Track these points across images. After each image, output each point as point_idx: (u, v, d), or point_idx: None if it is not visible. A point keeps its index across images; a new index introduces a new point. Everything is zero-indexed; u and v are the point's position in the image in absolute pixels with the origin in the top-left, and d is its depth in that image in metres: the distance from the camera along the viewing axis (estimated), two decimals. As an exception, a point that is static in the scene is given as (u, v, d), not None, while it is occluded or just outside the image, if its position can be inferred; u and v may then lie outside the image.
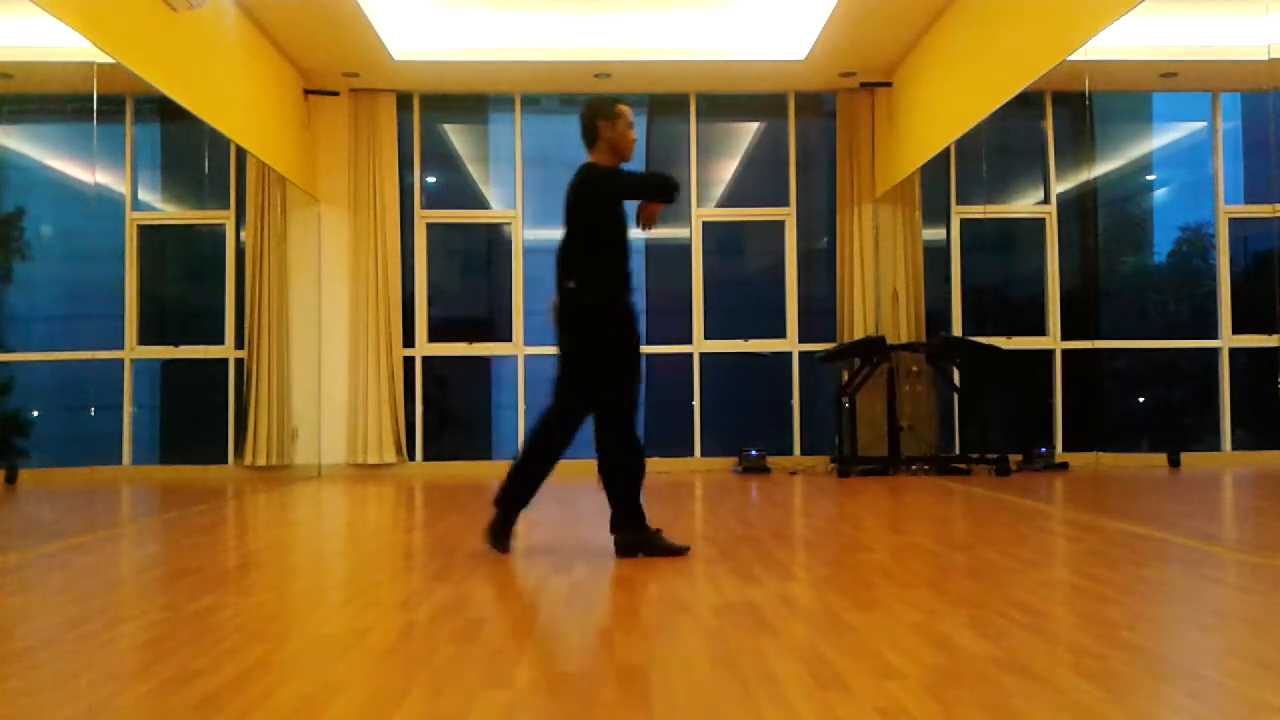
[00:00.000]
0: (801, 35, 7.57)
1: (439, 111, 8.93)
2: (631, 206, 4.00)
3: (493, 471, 8.52)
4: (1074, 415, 8.51)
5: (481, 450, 9.01)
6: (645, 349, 8.83)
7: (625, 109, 3.93)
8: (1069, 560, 3.62)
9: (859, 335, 8.21)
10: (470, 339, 8.75)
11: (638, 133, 4.12)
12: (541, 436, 3.91)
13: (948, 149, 7.76)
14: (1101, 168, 9.16)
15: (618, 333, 3.86)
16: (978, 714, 1.80)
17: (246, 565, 3.68)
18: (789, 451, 8.51)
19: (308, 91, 8.21)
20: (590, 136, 3.94)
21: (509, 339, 8.64)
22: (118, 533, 4.81)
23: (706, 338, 8.64)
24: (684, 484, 7.07)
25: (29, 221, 9.16)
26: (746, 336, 8.69)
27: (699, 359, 8.62)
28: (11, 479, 8.12)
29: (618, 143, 3.92)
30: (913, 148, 7.70)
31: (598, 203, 3.86)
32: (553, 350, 4.14)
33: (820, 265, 8.86)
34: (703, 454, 8.57)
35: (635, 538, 3.76)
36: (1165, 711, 1.86)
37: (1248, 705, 1.87)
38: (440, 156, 9.12)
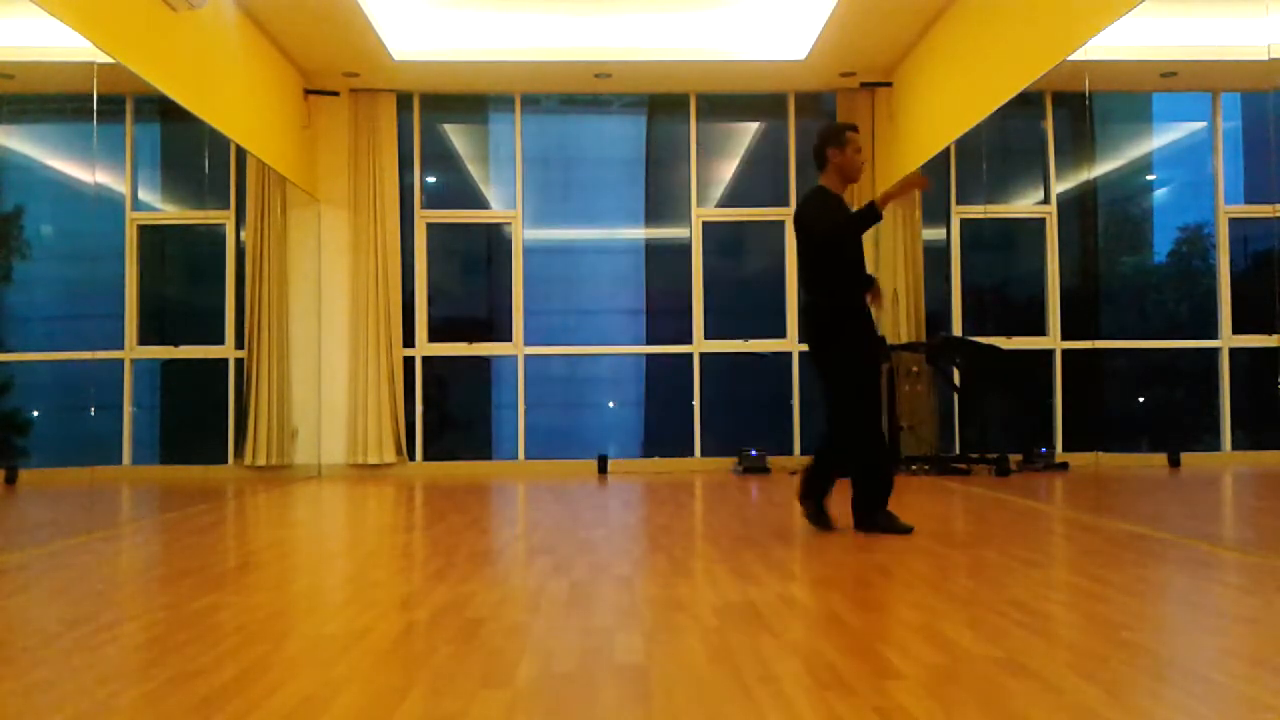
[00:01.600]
0: (801, 35, 7.57)
1: (439, 111, 8.93)
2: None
3: (493, 471, 8.54)
4: (1074, 415, 8.51)
5: (481, 450, 9.00)
6: (647, 349, 8.96)
7: (854, 135, 4.29)
8: (1069, 560, 3.62)
9: (859, 335, 8.19)
10: (470, 339, 8.75)
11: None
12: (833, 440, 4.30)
13: (948, 149, 7.76)
14: (1101, 168, 9.15)
15: (849, 336, 4.22)
16: (978, 714, 1.80)
17: (246, 565, 3.68)
18: (789, 451, 8.51)
19: (308, 91, 8.21)
20: (820, 161, 4.32)
21: (509, 339, 8.64)
22: (117, 533, 4.81)
23: (706, 338, 8.64)
24: (684, 484, 7.07)
25: (29, 221, 9.16)
26: (746, 336, 8.69)
27: (699, 359, 8.62)
28: (11, 479, 8.11)
29: (845, 167, 4.28)
30: (913, 148, 7.70)
31: (822, 224, 4.21)
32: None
33: (820, 265, 8.85)
34: (703, 454, 8.57)
35: (873, 522, 4.20)
36: (1165, 711, 1.86)
37: (1248, 705, 1.87)
38: (440, 156, 9.12)
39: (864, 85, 8.35)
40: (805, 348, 4.48)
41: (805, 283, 4.41)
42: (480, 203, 9.05)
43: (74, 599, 3.02)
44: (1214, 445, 8.55)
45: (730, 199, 8.95)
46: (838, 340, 4.23)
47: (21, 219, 9.13)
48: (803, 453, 8.53)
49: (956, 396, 8.28)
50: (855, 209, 4.28)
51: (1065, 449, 8.38)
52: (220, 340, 8.54)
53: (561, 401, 9.15)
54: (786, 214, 8.71)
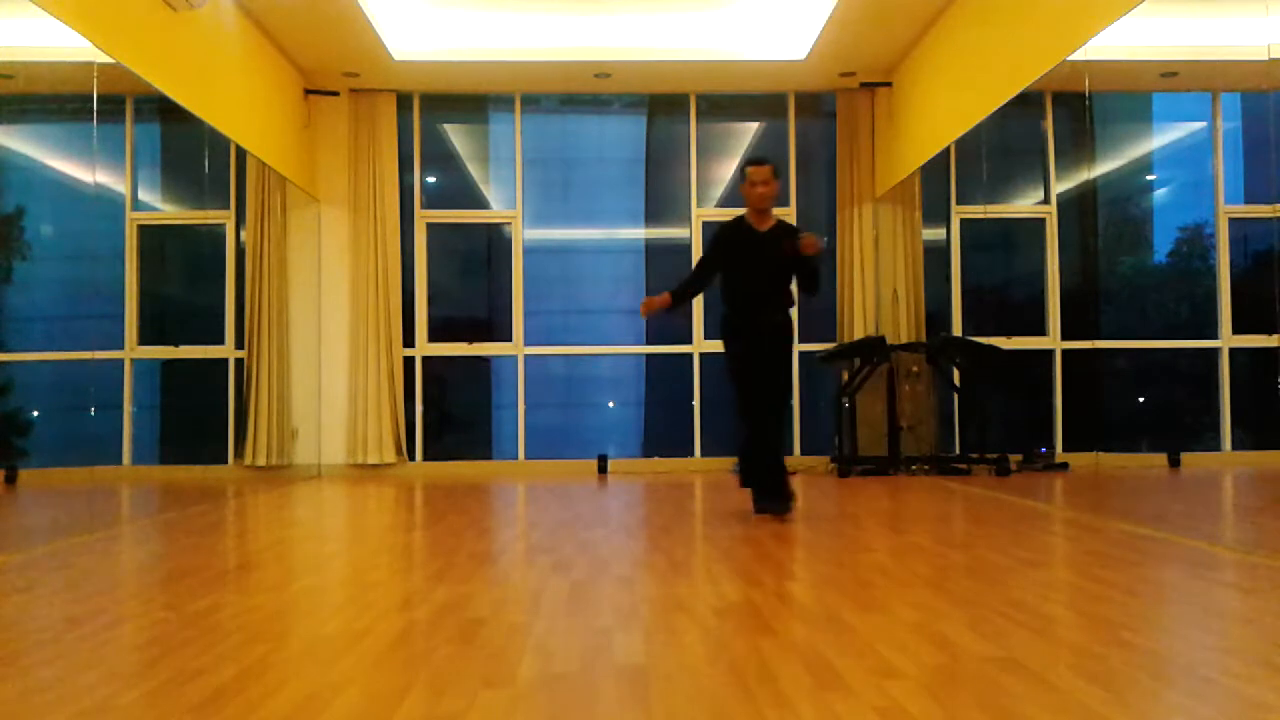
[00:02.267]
0: (801, 35, 7.57)
1: (439, 111, 8.93)
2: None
3: (493, 471, 8.54)
4: (1074, 415, 8.51)
5: (481, 450, 9.00)
6: (647, 349, 9.15)
7: (753, 170, 5.02)
8: (1069, 560, 3.62)
9: (859, 335, 8.21)
10: (470, 339, 8.75)
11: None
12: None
13: (948, 149, 7.76)
14: (1101, 168, 9.15)
15: (726, 342, 5.10)
16: (978, 714, 1.80)
17: (246, 565, 3.68)
18: (789, 451, 8.49)
19: (308, 91, 8.21)
20: None
21: (509, 339, 8.64)
22: (118, 533, 4.81)
23: (706, 338, 8.64)
24: (684, 484, 7.07)
25: (29, 221, 9.15)
26: (746, 336, 8.67)
27: (699, 359, 8.62)
28: (11, 479, 8.11)
29: (746, 199, 5.11)
30: (913, 148, 7.70)
31: (714, 248, 5.14)
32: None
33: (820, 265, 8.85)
34: (703, 454, 8.57)
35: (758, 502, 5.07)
36: (1165, 711, 1.86)
37: (1248, 705, 1.87)
38: (440, 156, 9.12)
39: (864, 85, 8.35)
40: (793, 348, 5.43)
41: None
42: (480, 203, 9.05)
43: (74, 599, 3.02)
44: (1214, 445, 8.55)
45: (730, 199, 8.94)
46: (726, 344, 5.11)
47: (22, 219, 9.13)
48: (803, 453, 8.54)
49: (956, 396, 8.28)
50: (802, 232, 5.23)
51: (1065, 449, 8.38)
52: (220, 340, 8.54)
53: (561, 401, 9.15)
54: (787, 213, 8.70)
